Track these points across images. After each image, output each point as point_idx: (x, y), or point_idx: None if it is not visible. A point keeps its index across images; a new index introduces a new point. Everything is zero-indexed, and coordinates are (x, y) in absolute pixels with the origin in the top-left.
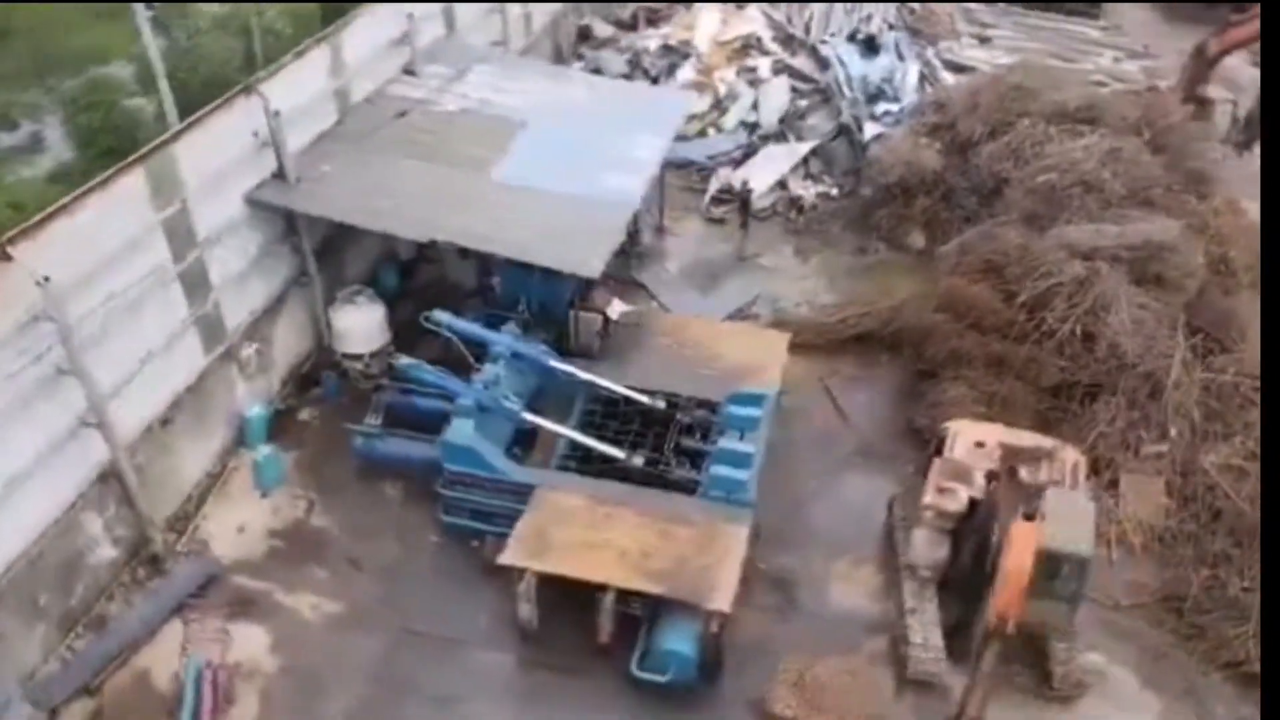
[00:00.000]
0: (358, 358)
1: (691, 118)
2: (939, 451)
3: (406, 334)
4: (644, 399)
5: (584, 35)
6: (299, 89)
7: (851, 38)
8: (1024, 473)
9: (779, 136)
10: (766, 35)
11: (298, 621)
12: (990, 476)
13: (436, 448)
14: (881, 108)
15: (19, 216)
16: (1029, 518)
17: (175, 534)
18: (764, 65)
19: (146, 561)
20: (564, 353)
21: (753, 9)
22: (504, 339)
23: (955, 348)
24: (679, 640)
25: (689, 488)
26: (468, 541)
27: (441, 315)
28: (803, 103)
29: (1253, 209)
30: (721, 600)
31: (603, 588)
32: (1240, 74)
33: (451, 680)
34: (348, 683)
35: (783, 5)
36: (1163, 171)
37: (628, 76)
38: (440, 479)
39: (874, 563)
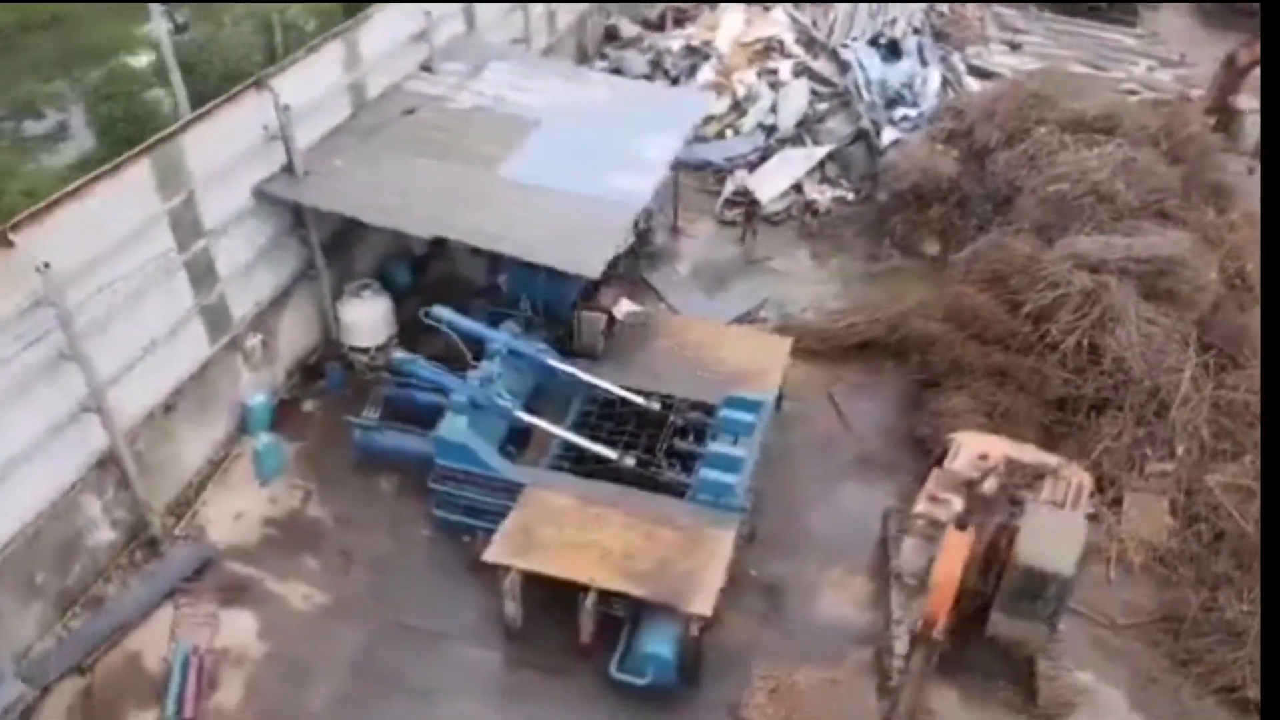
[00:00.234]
0: (363, 351)
1: (710, 119)
2: (940, 462)
3: (415, 329)
4: (639, 400)
5: (610, 35)
6: (312, 84)
7: (874, 41)
8: (1020, 490)
9: (796, 140)
10: (789, 38)
11: (287, 610)
12: (968, 484)
13: (430, 442)
14: (900, 113)
15: (30, 204)
16: (961, 527)
17: (175, 518)
18: (785, 68)
19: (145, 545)
20: (567, 352)
21: (778, 10)
22: (501, 336)
23: (958, 357)
24: (658, 643)
25: (679, 490)
26: (459, 537)
27: (441, 311)
28: (821, 106)
29: None
30: (702, 604)
31: (585, 588)
32: None
33: (434, 674)
34: (332, 672)
35: (808, 7)
36: (1180, 183)
37: (649, 77)
38: (433, 474)
39: (866, 573)
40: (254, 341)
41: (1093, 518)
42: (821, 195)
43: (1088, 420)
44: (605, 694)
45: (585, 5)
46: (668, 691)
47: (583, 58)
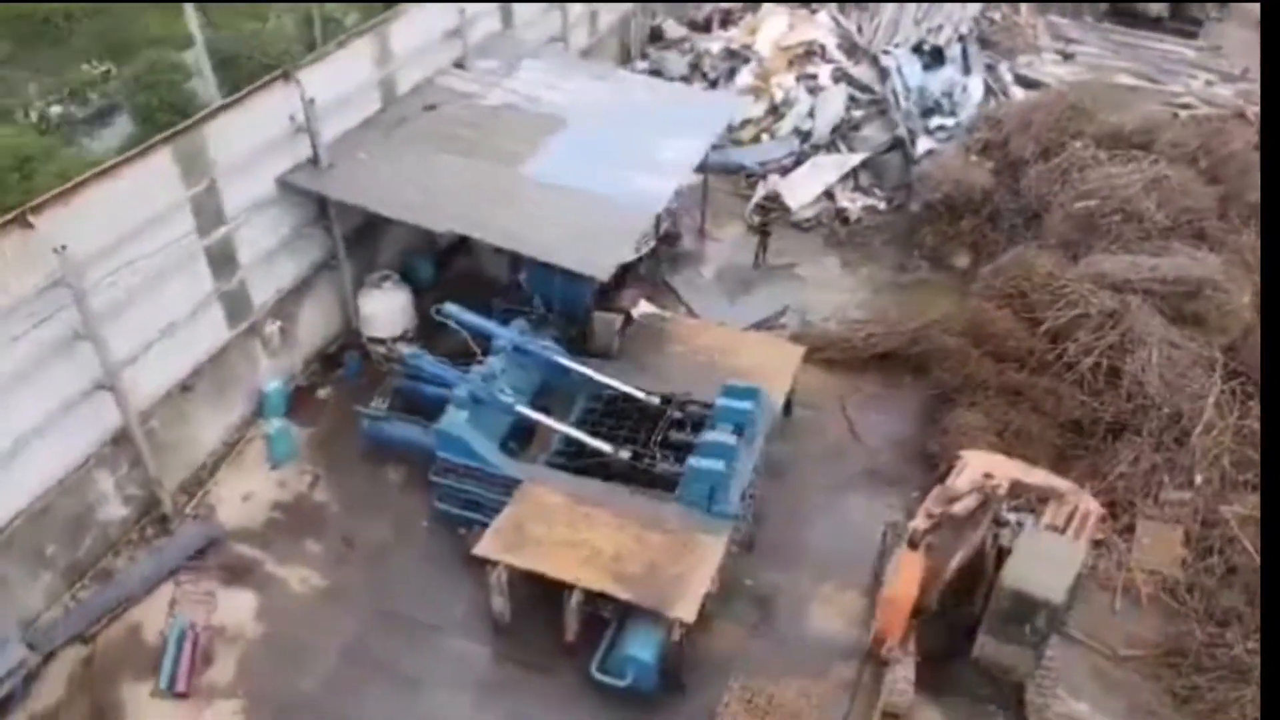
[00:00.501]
0: (381, 341)
1: (746, 123)
2: (944, 478)
3: (434, 323)
4: (639, 394)
5: (655, 36)
6: (342, 77)
7: (917, 49)
8: (1014, 511)
9: (831, 146)
10: (831, 42)
11: (285, 592)
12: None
13: (432, 435)
14: (936, 122)
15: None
16: (913, 546)
17: (187, 497)
18: (824, 73)
19: (156, 521)
20: (582, 352)
21: (823, 14)
22: (507, 333)
23: (972, 373)
24: (640, 646)
25: (673, 482)
26: (457, 529)
27: (450, 308)
28: (858, 113)
29: None
30: (685, 610)
31: (571, 587)
32: None
33: (422, 664)
34: (323, 656)
35: (854, 12)
36: (1216, 203)
37: (687, 79)
38: (434, 466)
39: (860, 588)
40: (273, 328)
41: (1100, 544)
42: (852, 203)
43: (1104, 444)
44: (587, 694)
45: (629, 5)
46: (649, 695)
47: (625, 58)
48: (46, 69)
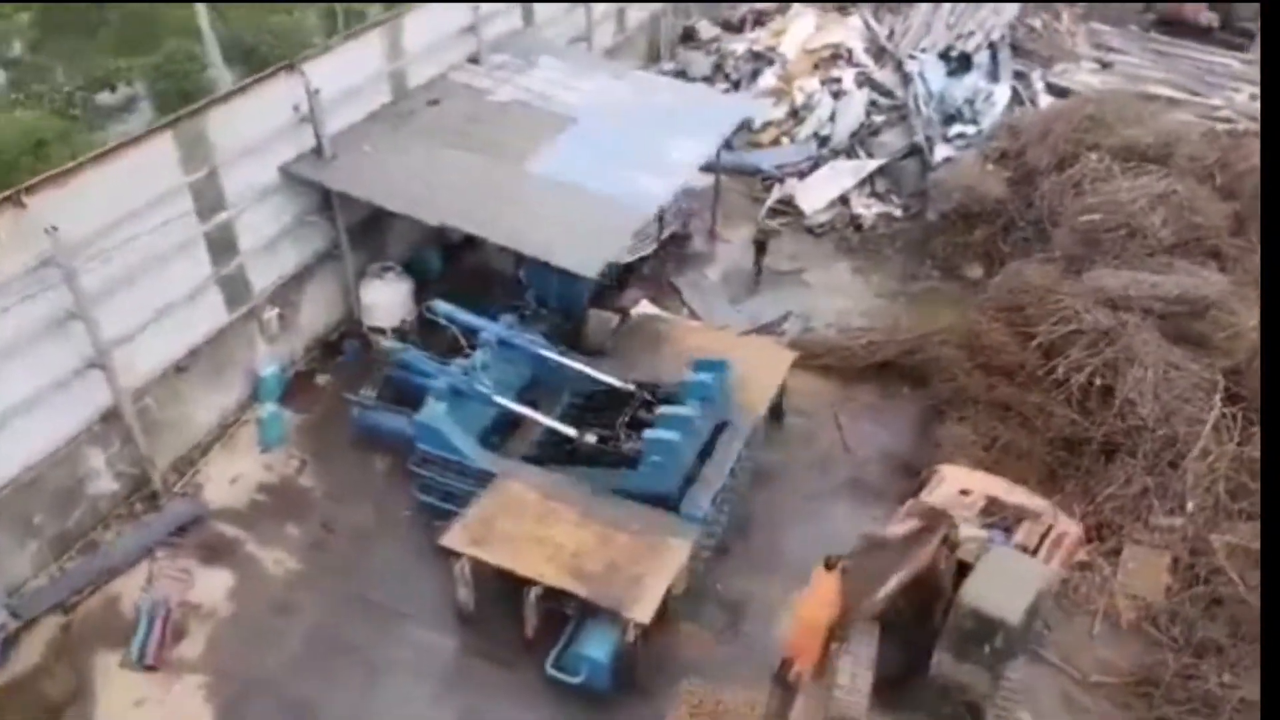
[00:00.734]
0: (381, 331)
1: (767, 125)
2: (919, 491)
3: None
4: (616, 383)
5: (688, 36)
6: (352, 69)
7: (945, 54)
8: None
9: (850, 151)
10: (859, 46)
11: (261, 573)
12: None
13: (411, 425)
14: (956, 129)
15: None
16: (828, 567)
17: (178, 475)
18: (848, 77)
19: (146, 498)
20: (577, 349)
21: (855, 17)
22: (494, 327)
23: (963, 386)
24: (595, 645)
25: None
26: (434, 520)
27: (439, 305)
28: (878, 118)
29: None
30: (641, 612)
31: (531, 582)
32: None
33: (386, 652)
34: (290, 638)
35: (887, 16)
36: (1228, 220)
37: (709, 80)
38: (414, 456)
39: None
40: (271, 314)
41: (1085, 567)
42: (867, 210)
43: (1096, 464)
44: (545, 690)
45: (660, 4)
46: (604, 694)
47: (655, 57)
48: (75, 56)
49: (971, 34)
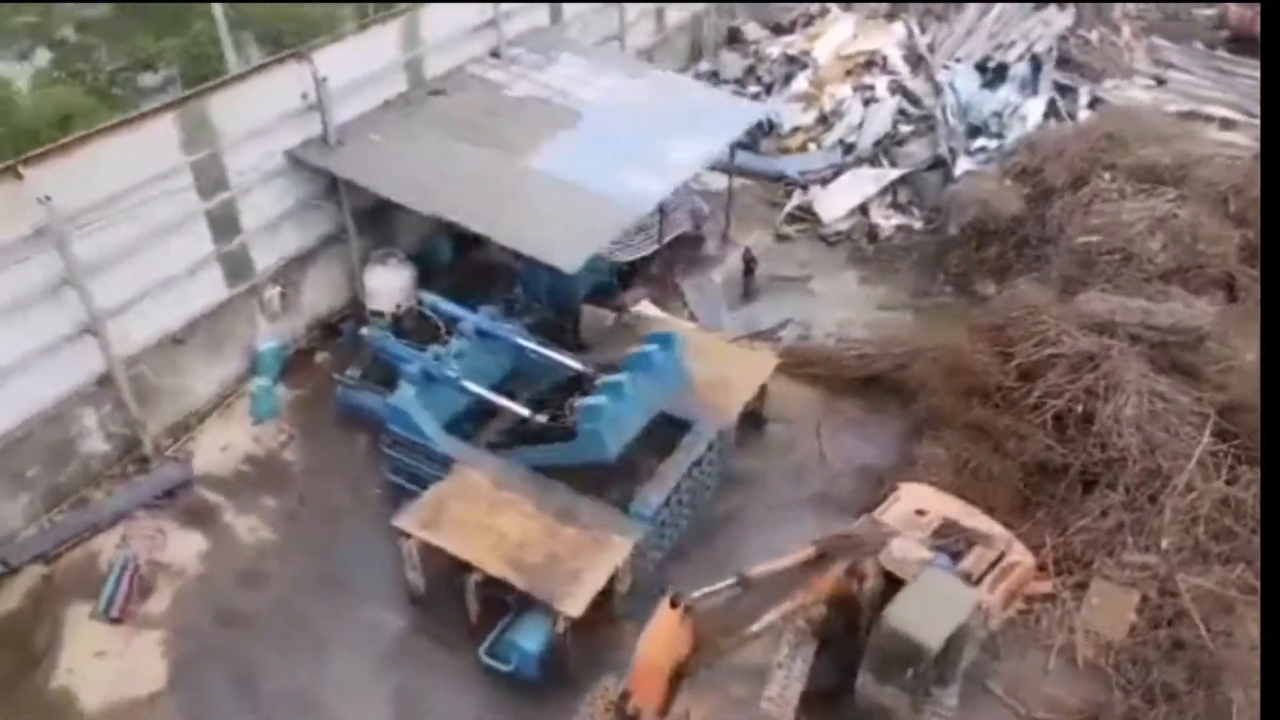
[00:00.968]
0: (380, 315)
1: (795, 130)
2: (873, 508)
3: (450, 297)
4: (579, 365)
5: (733, 37)
6: (366, 58)
7: (982, 65)
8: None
9: (873, 160)
10: (896, 53)
11: (233, 540)
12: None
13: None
14: (979, 142)
15: None
16: (673, 604)
17: (172, 440)
18: (881, 84)
19: (136, 460)
20: (569, 344)
21: (899, 24)
22: (472, 318)
23: (939, 405)
24: (527, 635)
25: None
26: (403, 501)
27: (427, 295)
28: (906, 128)
29: None
30: (572, 606)
31: (472, 568)
32: None
33: (336, 626)
34: (249, 604)
35: (931, 24)
36: (1237, 247)
37: (741, 82)
38: (385, 438)
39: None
40: (272, 293)
41: (1049, 599)
42: (886, 220)
43: (1071, 493)
44: (481, 676)
45: (701, 5)
46: (537, 684)
47: (696, 58)
48: (121, 37)
49: (1013, 44)
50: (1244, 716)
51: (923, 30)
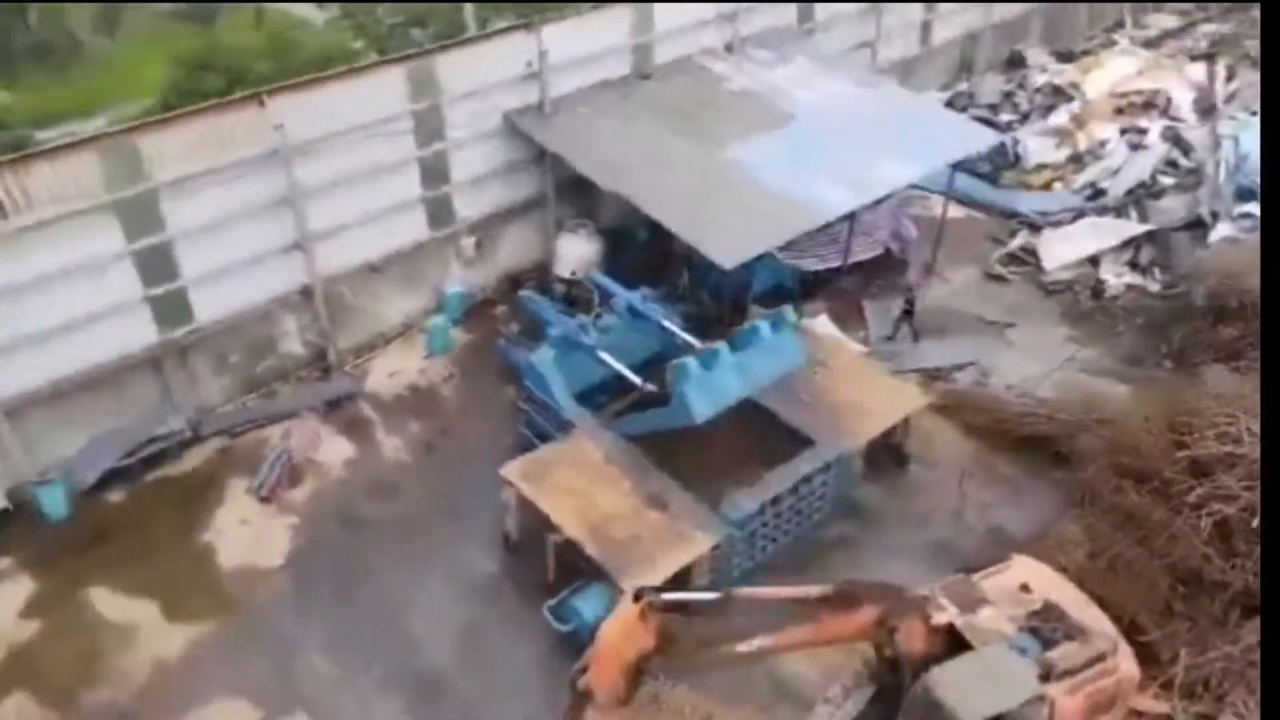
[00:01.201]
0: (563, 279)
1: (1041, 167)
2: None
3: (634, 276)
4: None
5: (1014, 61)
6: (593, 38)
7: None
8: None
9: (1121, 210)
10: (1186, 97)
11: (377, 454)
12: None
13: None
14: (1247, 207)
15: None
16: (636, 599)
17: (354, 356)
18: (1155, 129)
19: (321, 368)
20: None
21: (1199, 66)
22: (626, 296)
23: (1091, 480)
24: (588, 603)
25: None
26: (527, 453)
27: (595, 275)
28: (1168, 180)
29: None
30: (633, 585)
31: (556, 528)
32: None
33: (436, 554)
34: (372, 513)
35: (1245, 70)
36: None
37: (995, 108)
38: (521, 394)
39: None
40: (468, 242)
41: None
42: (1117, 278)
43: (1225, 614)
44: (543, 631)
45: (979, 23)
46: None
47: (965, 76)
48: None
49: None
50: None
51: (1230, 76)
